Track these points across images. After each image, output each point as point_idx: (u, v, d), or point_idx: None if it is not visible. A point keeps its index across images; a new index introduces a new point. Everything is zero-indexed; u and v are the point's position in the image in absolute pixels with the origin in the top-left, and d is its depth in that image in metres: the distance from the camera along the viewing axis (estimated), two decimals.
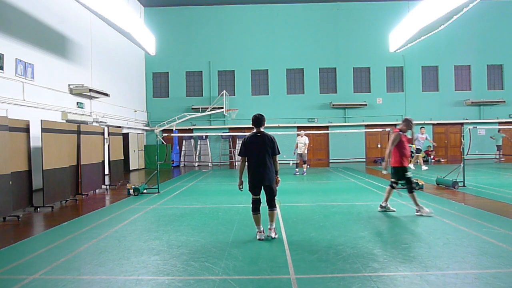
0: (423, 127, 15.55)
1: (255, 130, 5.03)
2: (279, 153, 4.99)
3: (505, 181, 11.17)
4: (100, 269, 3.93)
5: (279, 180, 5.04)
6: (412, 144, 14.64)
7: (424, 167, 14.86)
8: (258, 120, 5.02)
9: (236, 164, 20.15)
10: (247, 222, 5.98)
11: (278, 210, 5.03)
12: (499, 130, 18.24)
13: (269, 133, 5.13)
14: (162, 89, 21.68)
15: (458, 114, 20.89)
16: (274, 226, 5.06)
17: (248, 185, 5.00)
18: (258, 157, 4.89)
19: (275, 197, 5.04)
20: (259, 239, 4.91)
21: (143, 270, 3.87)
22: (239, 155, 5.11)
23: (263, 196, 5.00)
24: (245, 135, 5.08)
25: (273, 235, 4.99)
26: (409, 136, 6.82)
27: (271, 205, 5.00)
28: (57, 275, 3.78)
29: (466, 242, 4.70)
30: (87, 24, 14.60)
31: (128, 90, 18.83)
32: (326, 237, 5.05)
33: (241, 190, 5.12)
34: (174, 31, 21.25)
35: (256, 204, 5.00)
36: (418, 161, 15.25)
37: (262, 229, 5.01)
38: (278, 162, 5.04)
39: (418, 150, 14.93)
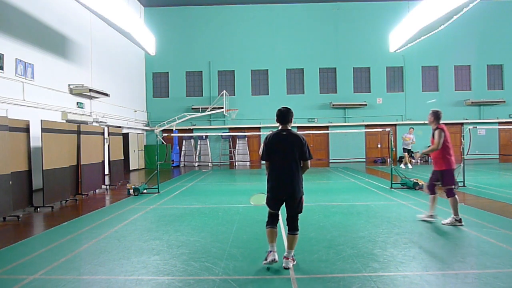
0: (411, 127, 15.91)
1: (280, 128, 4.00)
2: (311, 158, 3.93)
3: (505, 181, 11.18)
4: (100, 269, 3.92)
5: None
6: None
7: (402, 166, 15.59)
8: (283, 115, 3.96)
9: (236, 164, 20.16)
10: (247, 222, 5.99)
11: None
12: None
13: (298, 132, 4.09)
14: (162, 89, 21.69)
15: (458, 114, 20.88)
16: (293, 253, 3.90)
17: (266, 195, 3.99)
18: (282, 162, 3.84)
19: (298, 216, 3.91)
20: (270, 262, 3.76)
21: (143, 270, 3.87)
22: (262, 159, 4.03)
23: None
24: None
25: (290, 265, 3.80)
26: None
27: (292, 226, 3.86)
28: (57, 275, 3.78)
29: (466, 242, 4.70)
30: (87, 24, 14.60)
31: (128, 90, 18.83)
32: (326, 237, 5.04)
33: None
34: (174, 31, 21.25)
35: (272, 217, 3.93)
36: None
37: (275, 248, 3.86)
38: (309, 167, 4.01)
39: (405, 150, 15.50)
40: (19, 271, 3.91)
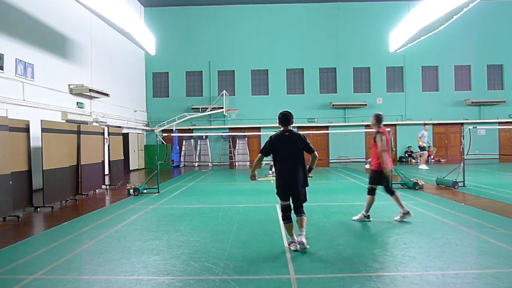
0: (426, 124, 15.61)
1: (282, 129, 4.55)
2: (314, 150, 4.48)
3: (505, 181, 11.17)
4: (100, 269, 3.92)
5: (310, 176, 4.59)
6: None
7: (425, 167, 15.12)
8: (286, 118, 4.52)
9: (236, 164, 20.15)
10: (247, 222, 5.99)
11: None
12: None
13: (300, 132, 4.71)
14: (162, 89, 21.68)
15: (458, 114, 20.88)
16: (304, 232, 4.45)
17: (276, 189, 4.56)
18: (287, 159, 4.39)
19: (304, 204, 4.56)
20: (294, 251, 4.35)
21: (143, 270, 3.87)
22: (260, 152, 4.52)
23: None
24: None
25: (304, 240, 4.34)
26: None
27: (299, 211, 4.49)
28: (57, 275, 3.78)
29: (466, 242, 4.70)
30: (87, 24, 14.60)
31: (128, 90, 18.83)
32: (326, 237, 5.04)
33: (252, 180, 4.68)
34: (174, 31, 21.24)
35: (286, 212, 4.51)
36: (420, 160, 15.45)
37: (296, 239, 4.44)
38: (315, 160, 4.52)
39: (422, 148, 15.13)
40: (19, 271, 3.91)
